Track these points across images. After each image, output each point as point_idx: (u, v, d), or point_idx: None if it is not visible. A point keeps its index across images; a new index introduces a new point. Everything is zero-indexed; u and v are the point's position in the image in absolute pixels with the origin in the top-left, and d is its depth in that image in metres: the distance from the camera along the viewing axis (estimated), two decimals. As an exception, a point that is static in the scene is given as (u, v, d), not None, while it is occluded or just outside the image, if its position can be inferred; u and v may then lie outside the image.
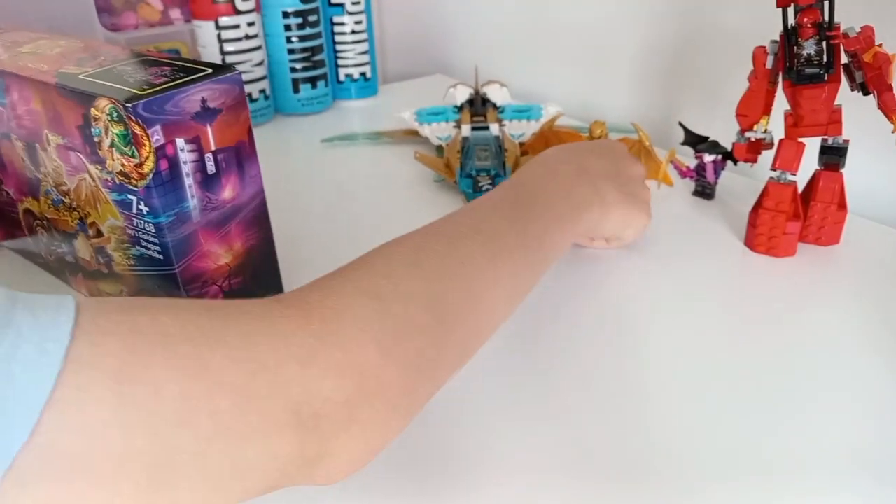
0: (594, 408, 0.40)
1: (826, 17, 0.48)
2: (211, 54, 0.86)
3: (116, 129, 0.37)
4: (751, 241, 0.56)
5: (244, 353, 0.25)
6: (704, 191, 0.65)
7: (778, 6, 0.49)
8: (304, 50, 0.91)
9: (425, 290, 0.32)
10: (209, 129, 0.39)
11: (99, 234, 0.44)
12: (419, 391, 0.31)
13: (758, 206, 0.55)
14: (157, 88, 0.37)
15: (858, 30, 0.48)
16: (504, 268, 0.37)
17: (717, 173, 0.63)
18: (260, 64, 0.89)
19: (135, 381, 0.22)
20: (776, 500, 0.34)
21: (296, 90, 0.92)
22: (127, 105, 0.35)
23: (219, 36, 0.85)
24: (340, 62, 0.98)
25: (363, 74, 0.99)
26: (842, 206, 0.55)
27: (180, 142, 0.38)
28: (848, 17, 0.48)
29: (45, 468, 0.20)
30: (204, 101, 0.39)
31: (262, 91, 0.90)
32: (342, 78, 0.99)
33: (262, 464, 0.25)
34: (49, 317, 0.22)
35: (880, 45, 0.47)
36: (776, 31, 0.51)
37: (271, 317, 0.27)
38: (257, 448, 0.25)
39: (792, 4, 0.49)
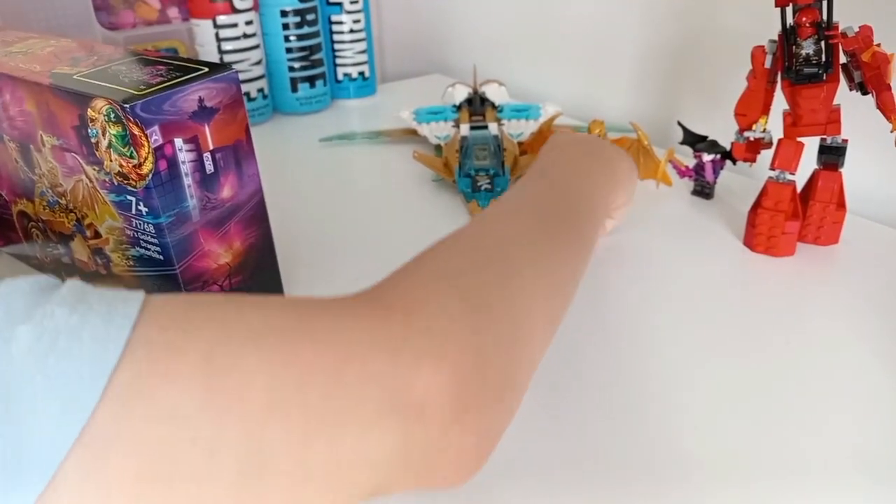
0: (591, 408, 0.40)
1: (825, 17, 0.48)
2: (209, 53, 0.86)
3: (114, 130, 0.37)
4: (750, 241, 0.56)
5: (331, 344, 0.24)
6: (703, 190, 0.65)
7: (776, 6, 0.49)
8: (302, 49, 0.91)
9: (497, 264, 0.31)
10: (207, 128, 0.39)
11: (97, 235, 0.44)
12: (518, 377, 0.29)
13: (757, 205, 0.55)
14: (155, 88, 0.37)
15: (857, 29, 0.48)
16: (561, 255, 0.37)
17: (715, 173, 0.63)
18: (258, 63, 0.89)
19: (224, 370, 0.22)
20: (776, 500, 0.34)
21: (294, 89, 0.92)
22: (125, 106, 0.35)
23: (217, 35, 0.85)
24: (339, 61, 0.98)
25: (361, 73, 0.99)
26: (841, 205, 0.55)
27: (178, 142, 0.38)
28: (847, 16, 0.48)
29: (120, 452, 0.20)
30: (201, 100, 0.38)
31: (261, 90, 0.90)
32: (340, 77, 0.99)
33: (362, 458, 0.24)
34: (126, 298, 0.22)
35: (879, 45, 0.47)
36: (775, 31, 0.51)
37: (354, 311, 0.26)
38: (354, 440, 0.23)
39: (790, 4, 0.49)
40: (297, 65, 0.91)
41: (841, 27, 0.49)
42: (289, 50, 0.90)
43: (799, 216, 0.54)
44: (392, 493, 0.26)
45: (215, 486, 0.21)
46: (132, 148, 0.37)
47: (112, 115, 0.36)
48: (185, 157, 0.38)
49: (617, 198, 0.52)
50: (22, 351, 0.20)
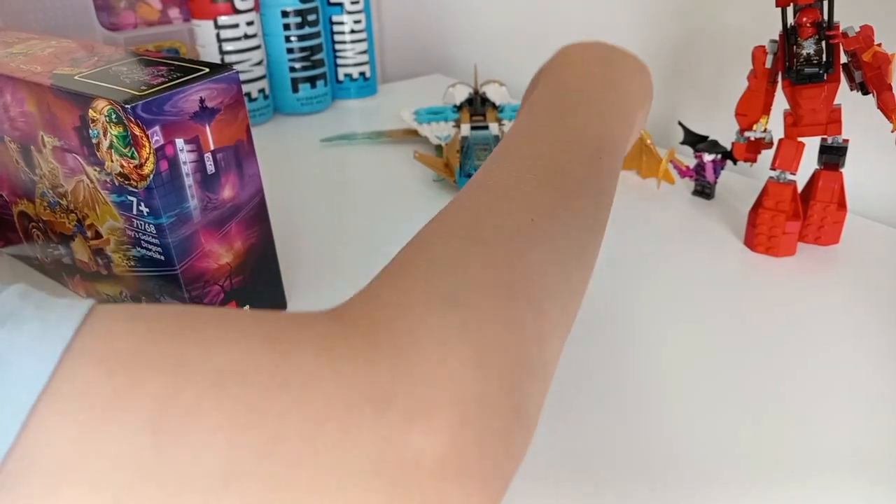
0: (591, 407, 0.40)
1: (825, 17, 0.48)
2: (210, 54, 0.86)
3: (115, 131, 0.37)
4: (750, 241, 0.56)
5: (306, 396, 0.20)
6: (704, 190, 0.65)
7: (777, 5, 0.49)
8: (303, 49, 0.91)
9: (501, 270, 0.26)
10: (208, 128, 0.39)
11: (97, 235, 0.44)
12: (530, 411, 0.24)
13: (757, 205, 0.55)
14: (156, 89, 0.37)
15: (858, 29, 0.48)
16: (578, 206, 0.32)
17: (716, 173, 0.63)
18: (259, 63, 0.89)
19: (178, 430, 0.19)
20: (776, 500, 0.34)
21: (295, 90, 0.92)
22: (126, 106, 0.35)
23: (218, 35, 0.85)
24: (339, 61, 0.98)
25: (362, 74, 0.99)
26: (841, 205, 0.55)
27: (180, 142, 0.38)
28: (847, 16, 0.48)
29: None
30: (202, 100, 0.38)
31: (262, 91, 0.90)
32: (341, 77, 0.99)
33: None
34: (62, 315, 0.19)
35: (879, 45, 0.47)
36: (775, 31, 0.51)
37: (333, 351, 0.22)
38: None
39: (791, 4, 0.49)
40: (297, 65, 0.91)
41: (842, 27, 0.49)
42: (290, 50, 0.90)
43: (800, 216, 0.54)
44: None
45: None
46: (133, 148, 0.37)
47: (113, 116, 0.36)
48: (186, 157, 0.38)
49: (639, 118, 0.44)
50: None
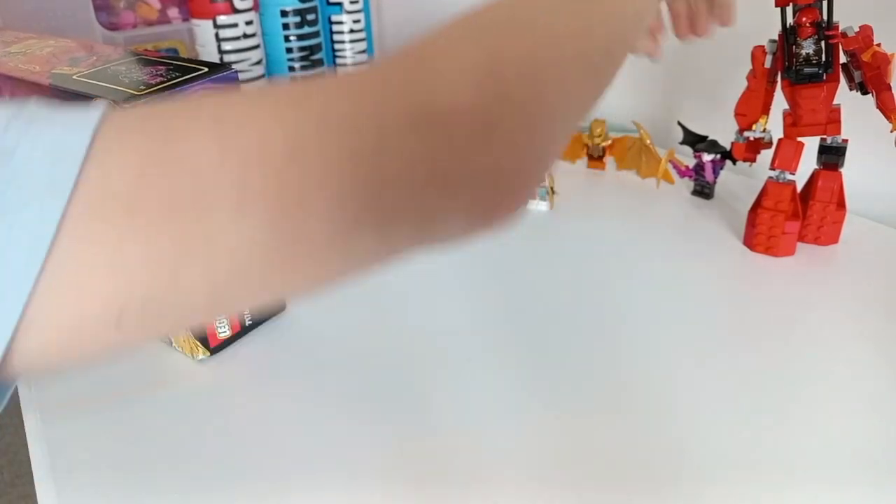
0: (591, 407, 0.40)
1: (825, 17, 0.48)
2: (209, 53, 0.86)
3: (113, 130, 0.37)
4: (750, 241, 0.56)
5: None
6: (703, 190, 0.65)
7: (776, 5, 0.49)
8: (302, 49, 0.91)
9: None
10: (207, 129, 0.39)
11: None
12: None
13: (757, 205, 0.55)
14: (154, 89, 0.37)
15: (857, 29, 0.48)
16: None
17: (715, 173, 0.63)
18: (258, 63, 0.89)
19: (237, 125, 0.21)
20: (776, 500, 0.34)
21: (294, 89, 0.92)
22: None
23: (217, 35, 0.85)
24: (339, 61, 0.98)
25: (362, 73, 0.99)
26: (841, 205, 0.55)
27: (178, 142, 0.38)
28: (847, 16, 0.48)
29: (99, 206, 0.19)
30: (201, 101, 0.38)
31: (261, 90, 0.90)
32: (341, 77, 0.99)
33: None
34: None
35: (879, 45, 0.47)
36: (775, 31, 0.51)
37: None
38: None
39: (790, 4, 0.49)
40: (297, 65, 0.91)
41: (841, 27, 0.49)
42: (289, 50, 0.90)
43: (799, 216, 0.54)
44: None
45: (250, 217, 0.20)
46: (131, 148, 0.36)
47: (111, 116, 0.36)
48: (184, 157, 0.38)
49: None
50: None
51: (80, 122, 0.19)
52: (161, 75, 0.39)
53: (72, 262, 0.19)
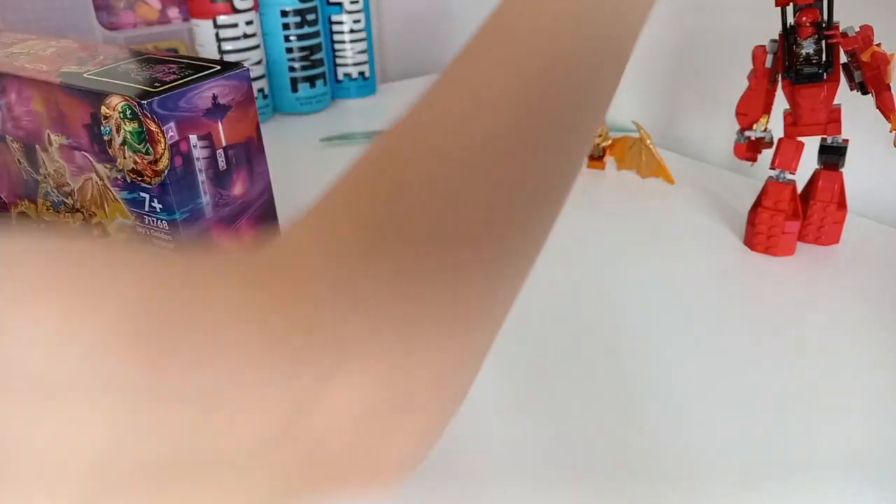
0: (592, 408, 0.40)
1: (825, 17, 0.49)
2: (209, 53, 0.86)
3: (129, 127, 0.37)
4: (750, 241, 0.57)
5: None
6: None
7: (777, 5, 0.50)
8: (302, 49, 0.91)
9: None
10: (220, 125, 0.39)
11: (104, 234, 0.44)
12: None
13: (757, 205, 0.56)
14: (170, 85, 0.37)
15: (857, 29, 0.49)
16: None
17: None
18: (258, 63, 0.89)
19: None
20: (775, 500, 0.34)
21: (294, 89, 0.93)
22: (142, 102, 0.35)
23: (217, 35, 0.85)
24: (339, 61, 0.98)
25: (362, 73, 0.99)
26: (841, 205, 0.55)
27: (193, 138, 0.38)
28: (847, 16, 0.49)
29: None
30: (215, 97, 0.39)
31: (261, 90, 0.90)
32: (341, 77, 0.99)
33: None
34: None
35: (879, 45, 0.48)
36: (775, 31, 0.51)
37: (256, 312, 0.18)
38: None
39: (791, 3, 0.50)
40: (297, 65, 0.91)
41: (841, 27, 0.49)
42: (289, 50, 0.90)
43: (799, 216, 0.55)
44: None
45: None
46: (148, 144, 0.37)
47: (128, 112, 0.36)
48: (199, 153, 0.39)
49: None
50: None
51: None
52: (174, 73, 0.39)
53: None
